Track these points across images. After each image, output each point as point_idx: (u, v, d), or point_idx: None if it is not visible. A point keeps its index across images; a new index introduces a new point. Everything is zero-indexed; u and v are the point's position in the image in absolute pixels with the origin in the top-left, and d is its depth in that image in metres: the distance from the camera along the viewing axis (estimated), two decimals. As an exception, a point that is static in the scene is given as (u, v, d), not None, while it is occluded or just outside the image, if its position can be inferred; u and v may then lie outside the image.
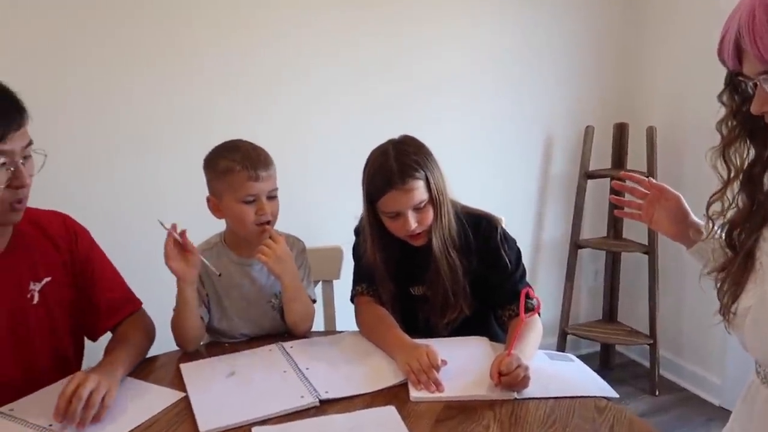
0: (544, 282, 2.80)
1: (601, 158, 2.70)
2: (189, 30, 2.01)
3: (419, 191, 1.30)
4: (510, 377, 1.12)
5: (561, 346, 2.71)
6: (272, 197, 1.37)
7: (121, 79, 1.95)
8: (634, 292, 2.79)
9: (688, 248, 1.11)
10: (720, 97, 0.91)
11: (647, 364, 2.67)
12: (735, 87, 0.88)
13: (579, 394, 1.15)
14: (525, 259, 2.68)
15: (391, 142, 1.36)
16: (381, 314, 1.41)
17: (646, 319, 2.61)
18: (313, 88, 2.21)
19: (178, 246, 1.28)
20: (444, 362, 1.20)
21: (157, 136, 2.03)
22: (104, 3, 1.90)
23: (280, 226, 1.52)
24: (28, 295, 1.20)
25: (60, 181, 1.81)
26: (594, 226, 2.81)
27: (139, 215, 2.00)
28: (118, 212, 2.00)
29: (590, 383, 1.21)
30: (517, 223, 2.66)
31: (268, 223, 1.36)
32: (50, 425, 1.03)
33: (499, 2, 2.47)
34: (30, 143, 1.12)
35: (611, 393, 1.17)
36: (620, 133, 2.66)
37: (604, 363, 2.84)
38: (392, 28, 2.30)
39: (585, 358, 2.78)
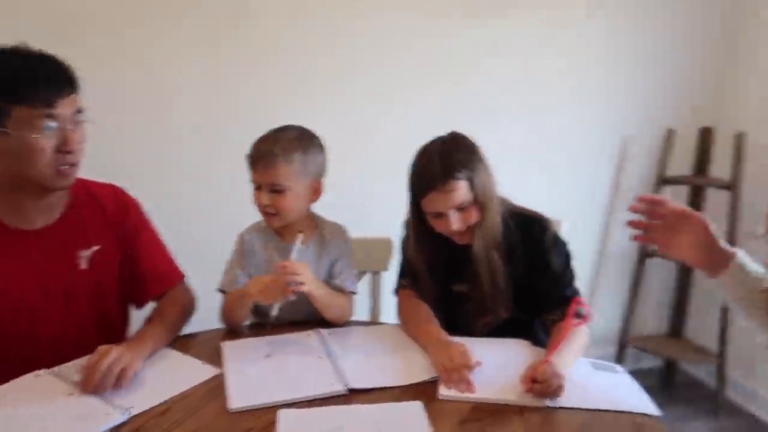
0: (607, 291, 2.69)
1: (681, 164, 2.55)
2: (248, 26, 2.05)
3: (461, 192, 1.27)
4: (543, 386, 1.08)
5: (620, 358, 2.59)
6: (277, 191, 1.35)
7: (180, 69, 2.01)
8: (706, 307, 2.62)
9: (711, 276, 1.01)
10: None
11: (714, 384, 2.50)
12: None
13: (618, 409, 1.09)
14: (588, 267, 2.63)
15: (438, 141, 1.33)
16: (420, 309, 1.40)
17: (716, 337, 2.45)
18: (373, 81, 2.21)
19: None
20: (478, 363, 1.17)
21: (215, 126, 2.09)
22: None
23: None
24: (77, 261, 1.28)
25: (123, 159, 1.93)
26: (666, 236, 2.65)
27: (193, 198, 2.10)
28: (176, 192, 2.08)
29: (633, 398, 1.15)
30: (583, 229, 2.59)
31: (273, 215, 1.37)
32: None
33: (584, 2, 2.38)
34: (79, 110, 1.18)
35: (654, 411, 1.10)
36: (705, 138, 2.50)
37: (667, 380, 2.69)
38: (464, 29, 2.26)
39: (646, 373, 2.70)
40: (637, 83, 2.50)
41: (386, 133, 2.25)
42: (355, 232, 1.55)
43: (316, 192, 1.42)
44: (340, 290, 1.45)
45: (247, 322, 1.47)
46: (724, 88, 2.55)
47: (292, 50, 2.10)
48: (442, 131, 1.38)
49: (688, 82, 2.55)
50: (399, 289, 1.50)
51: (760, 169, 2.36)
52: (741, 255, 1.00)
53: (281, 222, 1.40)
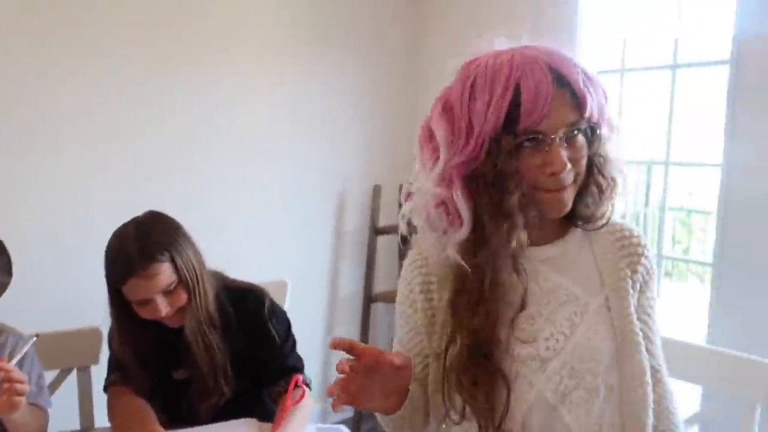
0: (341, 332, 2.81)
1: (393, 214, 2.83)
2: None
3: (165, 275, 1.20)
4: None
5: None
6: None
7: None
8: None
9: (389, 413, 0.86)
10: (486, 164, 0.81)
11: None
12: (498, 151, 0.81)
13: (341, 474, 1.13)
14: (322, 314, 2.73)
15: (133, 222, 1.25)
16: (135, 406, 1.27)
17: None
18: (83, 144, 2.00)
19: None
20: (200, 458, 1.11)
21: None
22: None
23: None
24: None
25: None
26: (387, 280, 2.91)
27: None
28: None
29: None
30: (314, 280, 2.69)
31: None
32: None
33: (298, 70, 2.53)
34: None
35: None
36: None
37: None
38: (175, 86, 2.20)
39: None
40: (348, 141, 2.74)
41: (85, 203, 2.02)
42: (58, 324, 1.38)
43: None
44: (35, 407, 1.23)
45: None
46: (415, 147, 2.95)
47: None
48: (149, 202, 1.30)
49: (390, 142, 2.88)
50: (109, 387, 1.35)
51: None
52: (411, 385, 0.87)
53: None
